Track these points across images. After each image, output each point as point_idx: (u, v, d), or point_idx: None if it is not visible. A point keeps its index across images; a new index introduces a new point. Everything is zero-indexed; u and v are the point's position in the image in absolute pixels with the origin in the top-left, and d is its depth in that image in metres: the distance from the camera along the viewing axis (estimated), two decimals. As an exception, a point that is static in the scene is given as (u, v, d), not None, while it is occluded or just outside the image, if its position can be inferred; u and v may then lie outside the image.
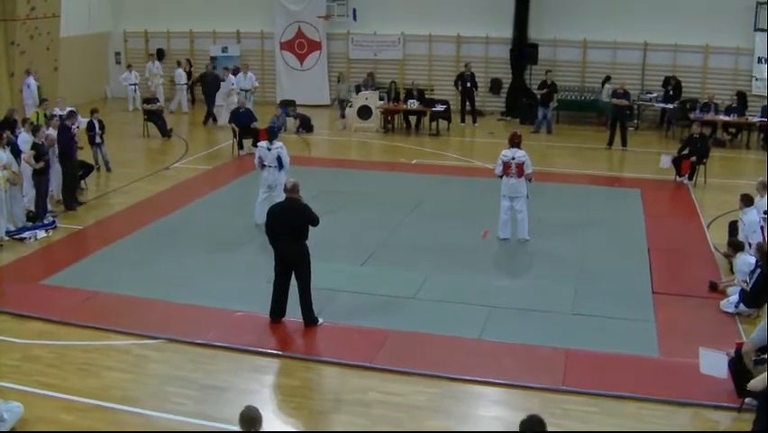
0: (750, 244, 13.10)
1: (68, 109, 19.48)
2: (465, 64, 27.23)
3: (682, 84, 26.15)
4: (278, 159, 15.60)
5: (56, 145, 16.93)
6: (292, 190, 11.52)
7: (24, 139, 16.42)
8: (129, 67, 29.58)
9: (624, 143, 23.49)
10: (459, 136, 25.92)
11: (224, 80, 26.71)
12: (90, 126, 19.71)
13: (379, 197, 18.54)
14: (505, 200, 15.25)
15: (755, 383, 7.61)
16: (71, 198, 17.34)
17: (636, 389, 9.83)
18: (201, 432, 8.99)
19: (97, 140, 19.97)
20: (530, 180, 15.20)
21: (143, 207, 17.58)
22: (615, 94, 23.98)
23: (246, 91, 26.36)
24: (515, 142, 15.18)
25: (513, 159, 15.01)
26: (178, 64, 29.57)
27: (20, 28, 24.10)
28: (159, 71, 29.50)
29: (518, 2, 27.30)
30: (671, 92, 26.01)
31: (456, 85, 27.22)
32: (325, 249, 13.14)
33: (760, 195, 14.28)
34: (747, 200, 14.10)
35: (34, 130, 16.44)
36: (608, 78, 26.51)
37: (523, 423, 6.59)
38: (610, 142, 23.61)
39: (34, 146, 16.06)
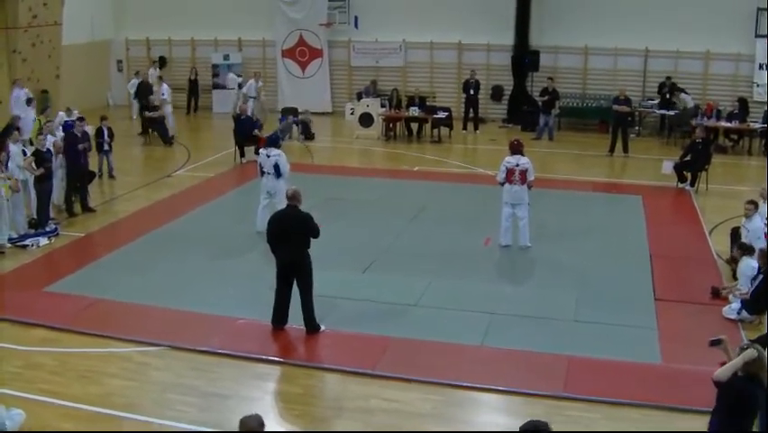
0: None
1: (78, 115, 19.57)
2: (471, 71, 27.24)
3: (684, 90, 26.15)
4: (276, 166, 15.62)
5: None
6: (293, 198, 11.54)
7: (13, 151, 16.03)
8: (137, 74, 29.61)
9: (625, 150, 23.52)
10: (461, 143, 25.94)
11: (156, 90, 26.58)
12: (99, 133, 19.75)
13: (381, 204, 18.55)
14: (507, 207, 15.24)
15: (720, 374, 7.42)
16: (83, 205, 17.52)
17: (639, 395, 9.83)
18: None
19: (105, 147, 19.99)
20: (530, 187, 15.20)
21: (145, 214, 17.59)
22: (616, 100, 23.92)
23: (254, 98, 26.51)
24: (518, 149, 15.19)
25: (517, 165, 15.01)
26: (255, 75, 28.49)
27: (22, 36, 24.13)
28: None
29: (519, 9, 27.33)
30: (667, 95, 26.02)
31: (466, 90, 27.16)
32: (327, 256, 13.15)
33: (763, 201, 14.28)
34: (756, 206, 14.08)
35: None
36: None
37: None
38: (612, 149, 23.63)
39: (36, 152, 16.08)
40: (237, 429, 6.64)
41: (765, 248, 12.69)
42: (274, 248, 11.49)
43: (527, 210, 15.19)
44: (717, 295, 12.90)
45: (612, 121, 24.23)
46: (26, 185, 16.18)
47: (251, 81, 27.45)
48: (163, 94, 26.09)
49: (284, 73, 30.52)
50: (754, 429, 7.64)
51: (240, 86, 29.27)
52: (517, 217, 15.23)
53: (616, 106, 23.74)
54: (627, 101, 23.97)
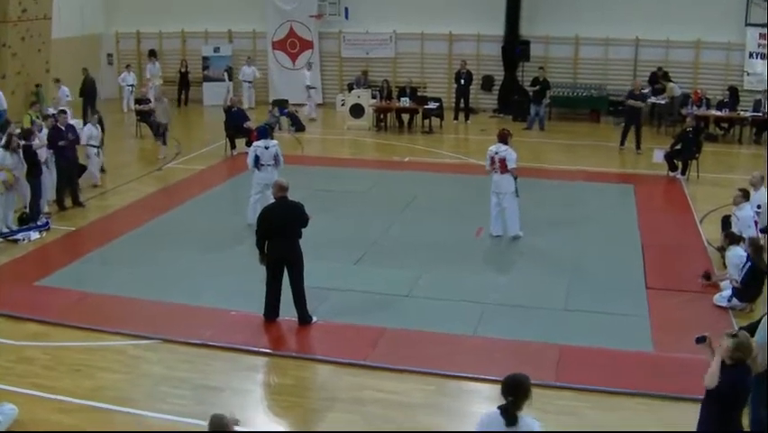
0: (745, 239, 13.14)
1: (60, 108, 19.49)
2: (462, 62, 27.21)
3: (674, 79, 26.15)
4: (275, 157, 15.62)
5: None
6: (281, 190, 11.55)
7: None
8: (128, 67, 29.57)
9: (638, 146, 22.64)
10: (452, 133, 25.95)
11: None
12: None
13: (372, 195, 18.56)
14: (493, 196, 15.25)
15: (709, 382, 7.32)
16: (73, 199, 17.46)
17: (630, 384, 9.86)
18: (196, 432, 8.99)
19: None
20: (515, 177, 15.13)
21: (137, 207, 17.56)
22: (631, 95, 23.19)
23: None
24: (501, 138, 15.17)
25: (496, 153, 15.00)
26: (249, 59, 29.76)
27: (11, 30, 24.06)
28: (158, 72, 29.63)
29: (510, -1, 27.34)
30: (657, 85, 25.99)
31: (457, 81, 27.12)
32: (319, 248, 13.17)
33: (754, 189, 14.32)
34: (746, 195, 14.13)
35: (26, 133, 16.37)
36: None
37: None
38: (636, 145, 22.69)
39: (25, 148, 15.99)
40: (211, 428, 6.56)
41: (754, 237, 12.76)
42: (265, 241, 11.47)
43: (513, 200, 15.14)
44: (709, 278, 12.97)
45: (626, 116, 23.43)
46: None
47: (245, 67, 27.81)
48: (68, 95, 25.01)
49: (274, 65, 30.50)
50: (743, 419, 7.65)
51: (230, 77, 29.46)
52: (503, 207, 15.22)
53: (631, 101, 22.94)
54: (642, 96, 23.54)
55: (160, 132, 22.32)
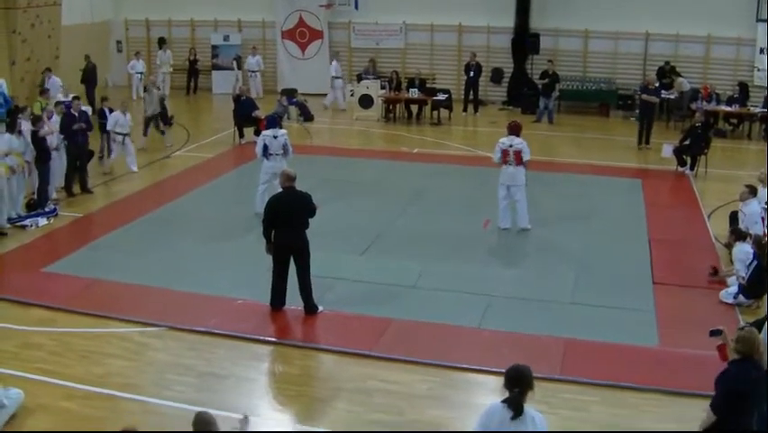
0: (751, 235, 13.12)
1: (72, 95, 19.51)
2: (471, 54, 27.12)
3: (683, 74, 26.06)
4: (284, 146, 15.62)
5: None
6: (289, 180, 11.56)
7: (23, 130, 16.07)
8: (137, 54, 29.56)
9: (647, 141, 22.45)
10: (460, 125, 25.90)
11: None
12: (102, 114, 19.67)
13: (380, 185, 18.54)
14: (502, 189, 15.21)
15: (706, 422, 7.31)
16: (82, 185, 17.51)
17: (635, 378, 9.86)
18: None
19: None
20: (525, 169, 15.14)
21: (145, 195, 17.60)
22: (645, 90, 22.91)
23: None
24: (514, 130, 15.15)
25: (511, 146, 14.98)
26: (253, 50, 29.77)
27: (21, 16, 24.02)
28: (169, 60, 29.65)
29: (520, -9, 27.26)
30: (664, 79, 25.86)
31: (467, 72, 27.09)
32: (325, 238, 13.17)
33: (763, 185, 14.29)
34: (753, 191, 14.10)
35: (34, 120, 16.39)
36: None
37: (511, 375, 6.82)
38: (645, 140, 22.44)
39: (33, 134, 16.02)
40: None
41: (761, 234, 12.74)
42: (272, 230, 11.48)
43: (523, 192, 15.18)
44: (716, 274, 12.96)
45: (639, 110, 23.22)
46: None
47: (249, 57, 27.71)
48: (61, 85, 24.19)
49: (284, 54, 30.48)
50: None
51: (239, 66, 29.47)
52: (514, 199, 15.22)
53: (645, 96, 22.66)
54: (657, 91, 23.34)
55: (155, 124, 22.25)
